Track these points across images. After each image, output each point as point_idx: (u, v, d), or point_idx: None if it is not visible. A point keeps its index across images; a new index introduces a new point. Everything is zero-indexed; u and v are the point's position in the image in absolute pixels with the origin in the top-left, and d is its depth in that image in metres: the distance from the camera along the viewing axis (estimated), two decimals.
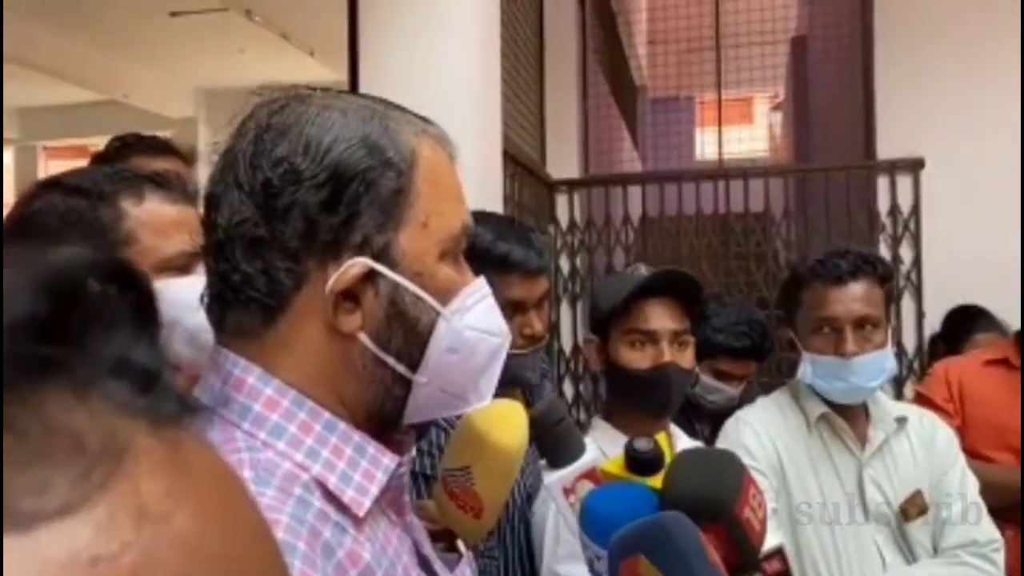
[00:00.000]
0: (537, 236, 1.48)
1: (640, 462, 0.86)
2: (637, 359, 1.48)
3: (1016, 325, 2.12)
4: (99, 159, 1.82)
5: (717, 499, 0.81)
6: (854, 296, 1.61)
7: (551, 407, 0.96)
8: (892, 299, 1.66)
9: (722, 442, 1.69)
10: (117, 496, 0.22)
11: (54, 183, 1.00)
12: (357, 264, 0.65)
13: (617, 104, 5.93)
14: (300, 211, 0.64)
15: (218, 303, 0.68)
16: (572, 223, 3.88)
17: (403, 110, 0.72)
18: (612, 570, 0.73)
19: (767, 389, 1.99)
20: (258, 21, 6.17)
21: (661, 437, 0.90)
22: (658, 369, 1.46)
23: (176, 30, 6.45)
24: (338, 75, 5.41)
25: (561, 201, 3.89)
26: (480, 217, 1.40)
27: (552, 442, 0.95)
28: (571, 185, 3.92)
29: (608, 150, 5.31)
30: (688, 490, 0.83)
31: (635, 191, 4.07)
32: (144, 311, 0.27)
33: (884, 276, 1.64)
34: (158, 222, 1.00)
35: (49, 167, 9.27)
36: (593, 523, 0.82)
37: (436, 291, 0.68)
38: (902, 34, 3.59)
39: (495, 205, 2.68)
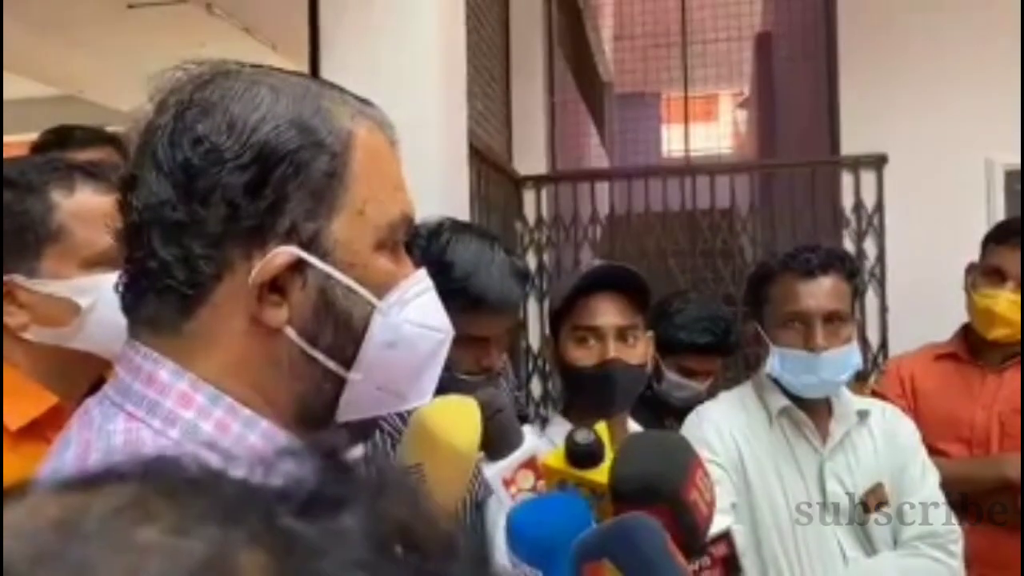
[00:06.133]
0: (517, 262, 1.36)
1: (580, 454, 0.85)
2: (582, 356, 1.46)
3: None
4: (34, 151, 1.75)
5: (664, 480, 0.81)
6: (824, 291, 1.61)
7: (488, 398, 0.95)
8: (858, 294, 1.67)
9: None
10: None
11: None
12: (283, 253, 0.61)
13: (583, 100, 5.93)
14: (222, 194, 0.60)
15: (132, 292, 0.63)
16: (539, 219, 3.86)
17: (340, 90, 0.67)
18: (577, 572, 0.71)
19: (733, 385, 1.99)
20: (219, 14, 6.05)
21: (602, 429, 0.89)
22: (603, 366, 1.44)
23: (134, 23, 6.30)
24: (301, 69, 5.33)
25: (528, 197, 3.87)
26: (459, 232, 1.31)
27: (490, 433, 0.93)
28: (538, 181, 3.90)
29: (575, 146, 5.30)
30: (635, 471, 0.83)
31: (602, 188, 4.07)
32: None
33: (851, 271, 1.65)
34: (90, 214, 0.94)
35: None
36: (520, 542, 0.80)
37: (371, 283, 0.64)
38: (865, 30, 3.63)
39: (462, 201, 2.65)
